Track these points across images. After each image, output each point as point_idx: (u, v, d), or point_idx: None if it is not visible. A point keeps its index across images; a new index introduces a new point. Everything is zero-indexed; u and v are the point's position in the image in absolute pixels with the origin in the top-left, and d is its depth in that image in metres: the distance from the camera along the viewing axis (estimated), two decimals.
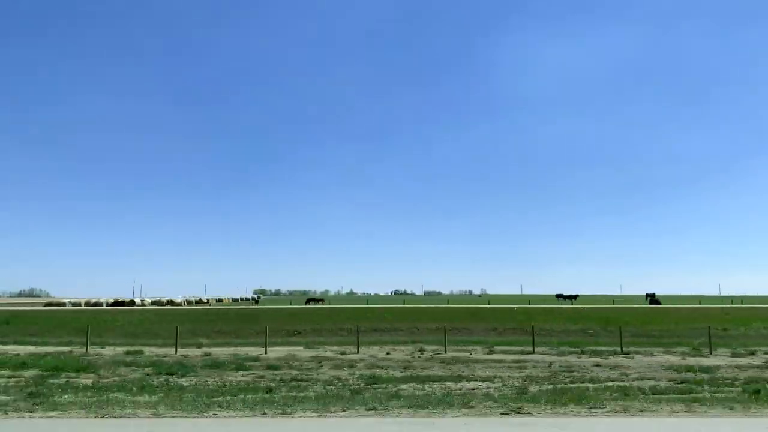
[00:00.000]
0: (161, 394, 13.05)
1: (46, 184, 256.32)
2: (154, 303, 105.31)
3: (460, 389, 14.07)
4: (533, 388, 14.05)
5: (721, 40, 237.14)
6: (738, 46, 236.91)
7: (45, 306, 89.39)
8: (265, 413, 10.55)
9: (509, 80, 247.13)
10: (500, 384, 14.77)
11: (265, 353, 21.07)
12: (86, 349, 21.62)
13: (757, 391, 13.09)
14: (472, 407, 11.26)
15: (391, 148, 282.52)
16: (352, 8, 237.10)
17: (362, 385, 14.71)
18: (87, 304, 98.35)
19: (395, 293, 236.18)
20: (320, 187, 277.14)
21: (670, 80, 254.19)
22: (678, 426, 9.71)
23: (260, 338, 26.79)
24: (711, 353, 21.20)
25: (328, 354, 20.95)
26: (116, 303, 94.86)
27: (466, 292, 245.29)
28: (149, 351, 21.33)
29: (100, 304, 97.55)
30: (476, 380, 15.42)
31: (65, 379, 15.27)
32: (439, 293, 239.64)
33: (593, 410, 10.86)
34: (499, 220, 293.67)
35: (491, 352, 21.52)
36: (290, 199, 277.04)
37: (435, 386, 14.47)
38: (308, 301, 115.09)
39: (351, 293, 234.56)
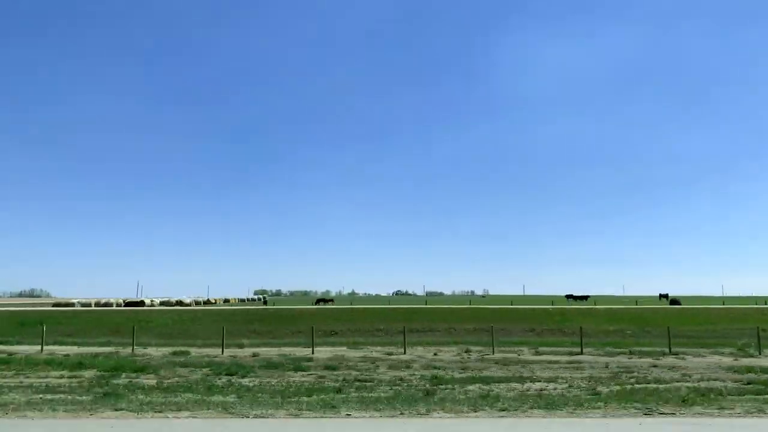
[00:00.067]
0: (233, 395, 12.93)
1: (46, 184, 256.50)
2: (162, 303, 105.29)
3: (528, 390, 13.93)
4: (602, 389, 13.93)
5: (721, 40, 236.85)
6: (738, 46, 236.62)
7: (53, 306, 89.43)
8: (349, 414, 10.41)
9: (509, 80, 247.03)
10: (567, 385, 14.63)
11: (312, 353, 20.96)
12: (132, 350, 21.51)
13: None
14: (594, 407, 11.04)
15: (391, 148, 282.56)
16: (352, 8, 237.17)
17: (427, 385, 14.60)
18: (97, 304, 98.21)
19: (397, 294, 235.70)
20: (320, 187, 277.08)
21: (670, 80, 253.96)
22: None
23: (298, 338, 26.77)
24: (760, 353, 21.09)
25: (375, 354, 20.82)
26: (129, 304, 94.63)
27: (468, 292, 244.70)
28: (195, 351, 21.21)
29: (110, 305, 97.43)
30: (540, 381, 15.29)
31: (127, 380, 15.17)
32: (441, 294, 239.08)
33: (724, 411, 10.61)
34: (499, 220, 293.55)
35: (538, 353, 21.39)
36: (290, 199, 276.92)
37: (502, 387, 14.33)
38: (318, 301, 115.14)
39: (353, 293, 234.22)
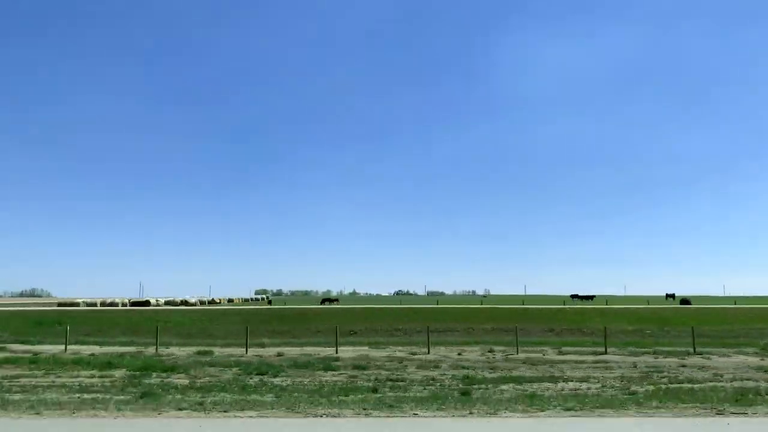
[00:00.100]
0: (270, 395, 12.90)
1: (46, 184, 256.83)
2: (167, 303, 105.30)
3: (562, 390, 13.88)
4: (635, 388, 13.89)
5: (721, 40, 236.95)
6: (738, 46, 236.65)
7: (58, 306, 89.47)
8: (416, 414, 10.38)
9: (509, 80, 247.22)
10: (600, 385, 14.59)
11: (336, 352, 20.92)
12: (156, 349, 21.49)
13: None
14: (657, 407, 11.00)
15: (391, 148, 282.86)
16: (352, 8, 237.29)
17: (460, 385, 14.57)
18: (102, 304, 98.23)
19: (398, 293, 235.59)
20: (320, 187, 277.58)
21: (670, 80, 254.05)
22: None
23: (317, 338, 26.76)
24: None
25: (399, 354, 20.78)
26: (135, 303, 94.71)
27: (469, 292, 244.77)
28: (218, 351, 21.18)
29: (116, 304, 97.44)
30: (573, 380, 15.25)
31: (158, 379, 15.14)
32: (442, 293, 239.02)
33: None
34: (500, 220, 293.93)
35: (561, 353, 21.34)
36: (290, 199, 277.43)
37: (536, 387, 14.29)
38: (323, 301, 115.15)
39: (354, 293, 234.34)
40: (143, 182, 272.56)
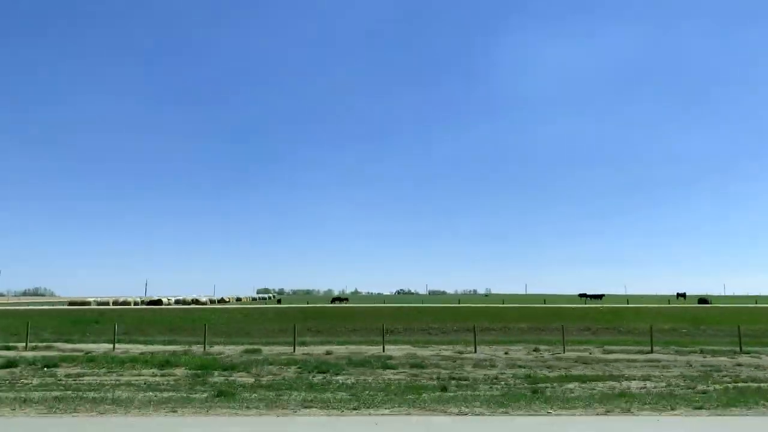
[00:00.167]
0: (343, 393, 12.93)
1: (46, 184, 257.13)
2: (177, 302, 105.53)
3: (628, 388, 13.89)
4: (703, 387, 13.90)
5: (721, 40, 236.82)
6: (738, 46, 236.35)
7: (69, 305, 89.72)
8: (506, 412, 10.41)
9: (509, 80, 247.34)
10: (665, 384, 14.58)
11: (383, 351, 20.96)
12: (204, 348, 21.54)
13: None
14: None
15: (391, 148, 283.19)
16: (352, 8, 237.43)
17: (525, 384, 14.60)
18: (115, 303, 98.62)
19: (399, 293, 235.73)
20: (320, 187, 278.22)
21: (670, 80, 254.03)
22: None
23: (355, 336, 26.79)
24: None
25: (447, 353, 20.79)
26: (148, 302, 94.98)
27: (470, 291, 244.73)
28: (266, 349, 21.22)
29: (128, 303, 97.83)
30: (635, 379, 15.27)
31: (222, 378, 15.18)
32: (444, 293, 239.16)
33: None
34: (500, 220, 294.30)
35: (606, 351, 21.33)
36: (290, 199, 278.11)
37: (600, 386, 14.29)
38: (333, 300, 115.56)
39: (356, 292, 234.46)
40: (143, 182, 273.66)
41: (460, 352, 20.85)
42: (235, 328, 29.19)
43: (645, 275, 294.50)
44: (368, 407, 11.17)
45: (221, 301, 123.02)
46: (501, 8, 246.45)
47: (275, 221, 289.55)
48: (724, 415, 10.37)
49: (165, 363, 17.20)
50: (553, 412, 10.50)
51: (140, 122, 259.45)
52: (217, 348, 22.07)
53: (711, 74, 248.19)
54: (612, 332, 27.72)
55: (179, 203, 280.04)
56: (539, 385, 14.25)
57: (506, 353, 20.83)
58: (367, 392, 13.02)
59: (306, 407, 11.04)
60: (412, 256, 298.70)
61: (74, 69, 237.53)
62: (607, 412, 10.50)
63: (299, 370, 16.50)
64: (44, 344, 22.29)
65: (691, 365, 17.84)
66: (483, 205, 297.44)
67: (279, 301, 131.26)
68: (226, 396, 12.35)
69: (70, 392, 12.80)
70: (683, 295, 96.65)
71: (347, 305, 73.25)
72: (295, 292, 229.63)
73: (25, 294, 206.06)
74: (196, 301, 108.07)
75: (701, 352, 21.00)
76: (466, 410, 10.67)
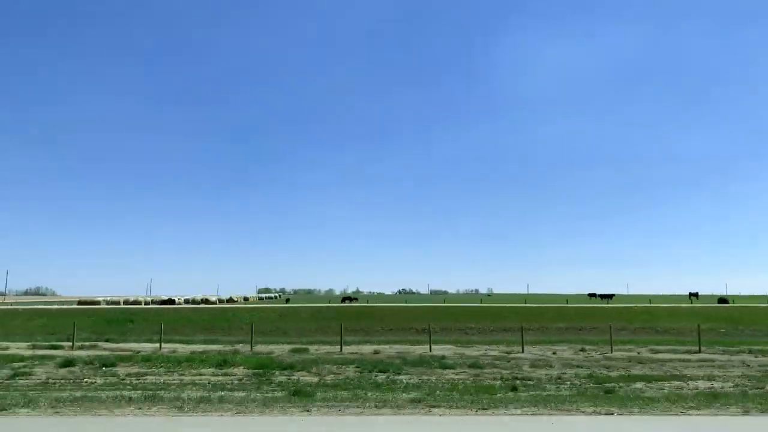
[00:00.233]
0: (414, 392, 12.86)
1: (46, 184, 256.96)
2: (186, 302, 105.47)
3: (697, 388, 13.80)
4: None
5: (721, 40, 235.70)
6: (738, 46, 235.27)
7: (78, 305, 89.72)
8: (597, 412, 10.34)
9: (509, 80, 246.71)
10: (732, 384, 14.49)
11: (430, 350, 20.89)
12: (251, 347, 21.50)
13: None
14: None
15: (391, 148, 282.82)
16: (352, 8, 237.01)
17: (591, 384, 14.53)
18: (126, 302, 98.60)
19: (401, 292, 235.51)
20: (320, 187, 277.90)
21: (670, 80, 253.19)
22: None
23: (393, 336, 26.76)
24: None
25: (494, 353, 20.72)
26: (162, 302, 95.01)
27: (472, 291, 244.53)
28: (312, 348, 21.18)
29: (139, 303, 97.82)
30: (700, 379, 15.19)
31: (285, 377, 15.13)
32: (446, 292, 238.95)
33: None
34: (500, 220, 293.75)
35: (654, 351, 21.25)
36: (290, 199, 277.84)
37: (667, 385, 14.22)
38: (344, 299, 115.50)
39: (357, 292, 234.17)
40: (143, 182, 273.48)
41: (508, 352, 20.78)
42: (271, 327, 29.14)
43: (645, 275, 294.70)
44: (488, 408, 11.06)
45: (230, 300, 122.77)
46: (501, 8, 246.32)
47: (275, 221, 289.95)
48: None
49: (222, 363, 17.15)
50: (658, 412, 10.42)
51: (140, 122, 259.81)
52: (260, 347, 22.02)
53: (711, 74, 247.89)
54: (649, 332, 27.63)
55: (179, 203, 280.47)
56: (607, 385, 14.18)
57: (554, 353, 20.75)
58: (438, 392, 12.96)
59: (395, 406, 10.98)
60: (413, 256, 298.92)
61: (74, 69, 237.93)
62: (716, 413, 10.41)
63: (358, 369, 16.44)
64: (89, 344, 22.26)
65: (747, 365, 17.75)
66: (483, 205, 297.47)
67: (287, 301, 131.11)
68: (302, 395, 12.30)
69: (141, 392, 12.77)
70: (695, 295, 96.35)
71: (372, 305, 73.15)
72: (296, 292, 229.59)
73: (26, 293, 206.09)
74: (205, 301, 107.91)
75: (750, 351, 20.90)
76: (569, 409, 10.58)
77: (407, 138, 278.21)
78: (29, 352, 19.67)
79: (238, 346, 22.26)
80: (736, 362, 18.33)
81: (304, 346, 21.49)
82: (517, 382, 14.59)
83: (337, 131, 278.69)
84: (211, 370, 16.35)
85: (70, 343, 22.00)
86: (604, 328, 29.10)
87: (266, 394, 12.54)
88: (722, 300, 71.32)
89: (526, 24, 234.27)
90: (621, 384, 14.26)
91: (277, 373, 15.74)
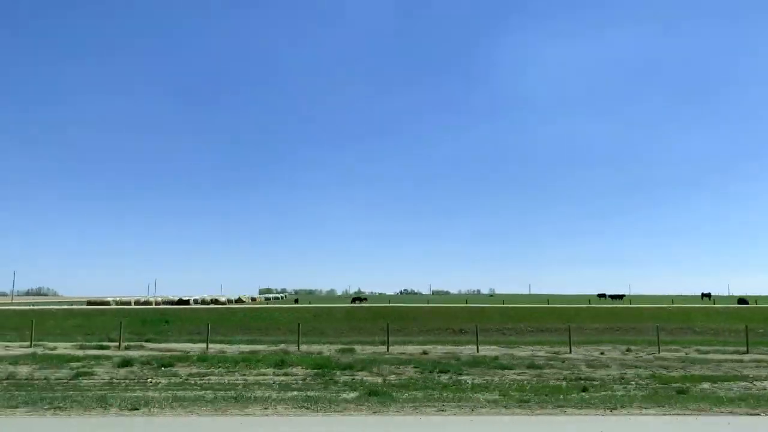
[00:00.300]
0: (493, 392, 12.85)
1: (46, 184, 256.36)
2: (194, 302, 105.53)
3: (765, 389, 13.83)
4: None
5: (722, 40, 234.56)
6: (738, 46, 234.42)
7: (87, 305, 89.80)
8: (719, 411, 10.30)
9: (509, 80, 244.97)
10: None
11: (477, 351, 20.86)
12: (297, 347, 21.49)
13: None
14: None
15: (391, 148, 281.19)
16: (352, 8, 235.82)
17: (657, 384, 14.50)
18: (137, 303, 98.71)
19: (403, 292, 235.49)
20: (320, 187, 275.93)
21: (670, 80, 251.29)
22: None
23: (432, 336, 26.75)
24: None
25: (541, 353, 20.69)
26: (179, 302, 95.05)
27: (474, 291, 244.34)
28: (358, 348, 21.17)
29: (150, 303, 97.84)
30: (761, 380, 15.17)
31: (349, 377, 15.11)
32: (448, 293, 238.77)
33: None
34: (500, 220, 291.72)
35: (701, 352, 21.21)
36: (290, 199, 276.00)
37: (734, 386, 14.19)
38: (354, 300, 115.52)
39: (359, 292, 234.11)
40: (143, 182, 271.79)
41: (556, 353, 20.75)
42: (308, 327, 29.02)
43: (645, 275, 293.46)
44: (610, 408, 11.06)
45: (238, 300, 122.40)
46: (501, 8, 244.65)
47: (275, 221, 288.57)
48: None
49: (280, 363, 17.13)
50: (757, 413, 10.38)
51: (140, 122, 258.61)
52: (305, 347, 22.01)
53: (711, 74, 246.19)
54: (686, 332, 27.58)
55: (179, 203, 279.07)
56: (674, 385, 14.15)
57: (601, 353, 20.72)
58: (512, 393, 12.95)
59: (470, 406, 10.95)
60: (413, 256, 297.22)
61: (74, 69, 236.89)
62: None
63: (417, 369, 16.42)
64: (134, 344, 22.27)
65: None
66: (483, 205, 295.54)
67: (296, 301, 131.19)
68: (378, 395, 12.28)
69: (211, 392, 12.76)
70: (708, 296, 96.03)
71: (366, 304, 73.15)
72: (297, 292, 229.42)
73: (28, 293, 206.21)
74: (215, 301, 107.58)
75: None
76: (671, 412, 10.53)
77: (407, 138, 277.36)
78: (79, 352, 19.68)
79: (282, 346, 22.26)
80: None
81: (349, 347, 21.47)
82: (582, 382, 14.56)
83: (337, 131, 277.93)
84: (271, 370, 16.33)
85: (116, 343, 22.03)
86: (640, 328, 29.09)
87: (341, 395, 12.51)
88: (742, 300, 71.01)
89: (526, 24, 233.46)
90: (687, 384, 14.23)
91: (338, 373, 15.72)
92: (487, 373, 16.00)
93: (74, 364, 16.99)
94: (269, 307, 62.79)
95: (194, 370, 16.18)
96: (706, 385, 14.25)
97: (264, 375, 15.56)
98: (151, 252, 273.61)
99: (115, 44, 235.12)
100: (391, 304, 62.51)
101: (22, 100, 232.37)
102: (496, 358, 18.79)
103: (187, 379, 14.80)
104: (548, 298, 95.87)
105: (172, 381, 14.56)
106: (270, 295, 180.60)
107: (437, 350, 21.00)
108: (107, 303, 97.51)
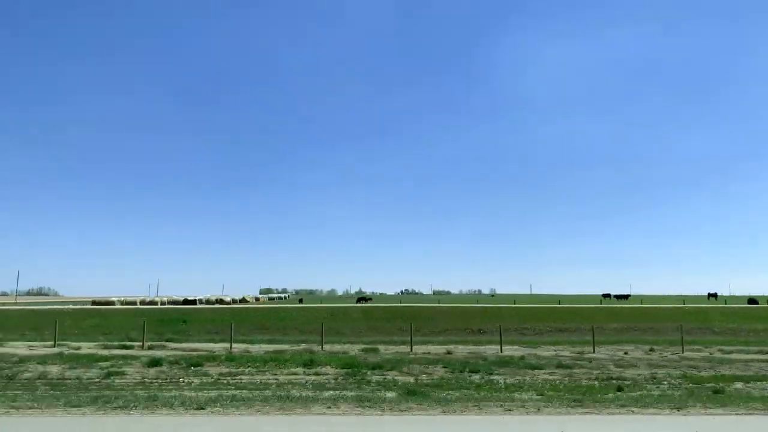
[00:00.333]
0: (529, 392, 12.85)
1: (46, 184, 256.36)
2: (198, 302, 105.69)
3: None
4: None
5: (722, 40, 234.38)
6: (738, 46, 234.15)
7: (92, 305, 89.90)
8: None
9: (509, 80, 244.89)
10: None
11: (501, 351, 20.85)
12: (321, 347, 21.51)
13: None
14: None
15: (391, 148, 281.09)
16: (352, 8, 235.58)
17: (690, 384, 14.50)
18: (142, 303, 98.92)
19: (404, 292, 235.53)
20: (320, 187, 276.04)
21: (670, 80, 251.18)
22: None
23: (451, 336, 26.73)
24: None
25: (565, 353, 20.66)
26: (186, 302, 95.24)
27: (475, 291, 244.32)
28: (381, 348, 21.17)
29: (155, 303, 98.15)
30: None
31: (381, 377, 15.12)
32: (449, 293, 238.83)
33: None
34: (500, 220, 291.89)
35: (724, 351, 21.18)
36: (290, 199, 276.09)
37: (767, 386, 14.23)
38: (359, 300, 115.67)
39: (360, 292, 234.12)
40: (143, 182, 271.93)
41: (581, 353, 20.72)
42: (325, 327, 29.07)
43: (646, 275, 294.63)
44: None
45: (243, 300, 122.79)
46: (501, 8, 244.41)
47: (276, 221, 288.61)
48: None
49: (309, 362, 17.13)
50: None
51: (140, 122, 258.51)
52: (329, 347, 22.00)
53: (711, 74, 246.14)
54: (705, 332, 27.58)
55: (179, 203, 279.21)
56: (707, 385, 14.17)
57: (625, 353, 20.69)
58: (549, 392, 12.96)
59: (518, 408, 10.95)
60: (414, 256, 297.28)
61: (74, 69, 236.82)
62: None
63: (447, 369, 16.41)
64: (157, 343, 22.28)
65: None
66: (483, 205, 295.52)
67: (300, 301, 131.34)
68: (417, 395, 12.30)
69: (246, 392, 12.77)
70: (714, 296, 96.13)
71: (371, 304, 73.18)
72: (297, 292, 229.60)
73: (29, 293, 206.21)
74: (220, 301, 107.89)
75: None
76: (738, 412, 10.53)
77: (407, 138, 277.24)
78: (105, 352, 19.70)
79: (304, 346, 22.27)
80: None
81: (371, 346, 21.48)
82: (615, 381, 14.58)
83: (337, 131, 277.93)
84: (301, 369, 16.33)
85: (138, 343, 22.04)
86: (658, 329, 29.09)
87: (379, 394, 12.52)
88: (752, 300, 70.95)
89: (526, 24, 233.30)
90: (720, 384, 14.22)
91: (368, 372, 15.72)
92: (517, 372, 15.99)
93: (103, 364, 16.99)
94: (285, 307, 62.91)
95: (224, 370, 16.18)
96: (739, 385, 14.26)
97: (295, 374, 15.57)
98: (152, 252, 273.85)
99: (115, 44, 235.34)
100: (404, 305, 62.54)
101: (22, 100, 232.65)
102: (522, 357, 18.76)
103: (218, 379, 14.81)
104: (559, 299, 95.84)
105: (204, 381, 14.56)
106: (273, 295, 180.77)
107: (460, 350, 20.99)
108: (112, 303, 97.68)
